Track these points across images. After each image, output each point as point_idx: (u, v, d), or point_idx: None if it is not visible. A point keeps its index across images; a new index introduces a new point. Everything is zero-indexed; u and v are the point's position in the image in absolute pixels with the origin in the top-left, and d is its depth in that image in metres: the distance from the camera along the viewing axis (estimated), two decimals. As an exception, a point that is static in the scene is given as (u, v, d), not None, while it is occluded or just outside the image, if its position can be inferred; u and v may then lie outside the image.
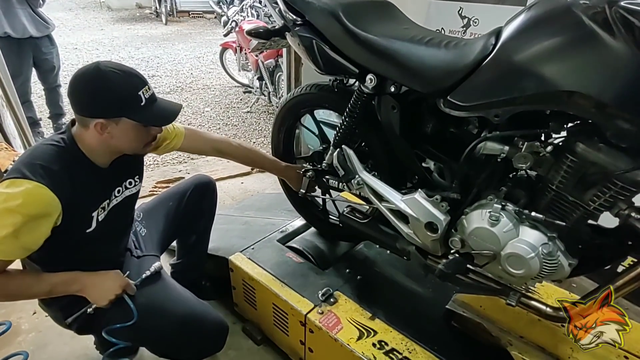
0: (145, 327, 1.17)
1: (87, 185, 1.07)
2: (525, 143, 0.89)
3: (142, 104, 1.01)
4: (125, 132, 1.03)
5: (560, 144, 0.88)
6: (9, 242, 0.96)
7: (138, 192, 1.30)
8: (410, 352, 1.17)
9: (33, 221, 0.97)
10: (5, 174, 1.03)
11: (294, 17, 1.19)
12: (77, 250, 1.12)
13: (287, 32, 1.26)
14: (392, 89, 1.09)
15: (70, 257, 1.12)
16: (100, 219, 1.13)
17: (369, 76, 1.10)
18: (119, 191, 1.20)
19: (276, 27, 1.28)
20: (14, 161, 1.66)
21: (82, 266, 1.14)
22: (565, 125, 0.85)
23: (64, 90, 3.41)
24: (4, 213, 0.94)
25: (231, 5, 5.12)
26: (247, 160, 1.57)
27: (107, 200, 1.16)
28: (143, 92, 1.01)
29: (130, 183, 1.24)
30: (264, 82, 4.08)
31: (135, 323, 1.12)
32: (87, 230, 1.10)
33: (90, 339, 1.48)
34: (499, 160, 0.95)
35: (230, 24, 4.30)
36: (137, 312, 1.13)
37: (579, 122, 0.84)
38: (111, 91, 0.98)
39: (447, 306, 1.29)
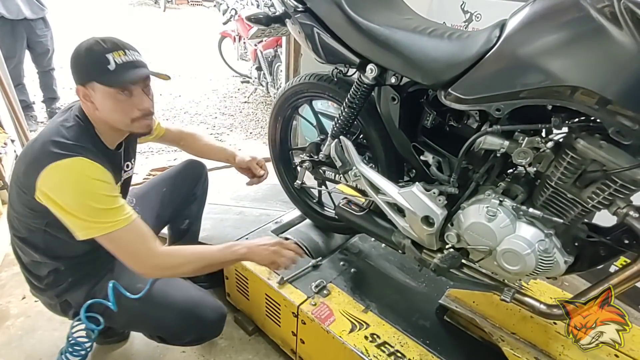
0: (147, 314, 1.18)
1: (106, 167, 1.07)
2: (526, 138, 0.88)
3: (111, 67, 0.97)
4: (103, 100, 1.00)
5: (561, 140, 0.87)
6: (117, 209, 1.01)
7: (132, 176, 1.31)
8: (402, 346, 1.17)
9: (104, 184, 1.00)
10: (39, 159, 0.98)
11: (295, 3, 1.17)
12: None
13: (287, 19, 1.23)
14: (393, 80, 1.08)
15: (70, 242, 1.09)
16: None
17: (370, 66, 1.08)
18: (124, 172, 1.22)
19: (276, 14, 1.25)
20: (5, 144, 1.62)
21: (79, 253, 1.14)
22: (567, 121, 0.84)
23: (57, 74, 3.35)
24: (86, 188, 0.97)
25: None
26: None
27: (118, 182, 1.16)
28: (114, 56, 0.97)
29: (127, 166, 1.25)
30: (262, 72, 4.05)
31: (139, 300, 1.14)
32: None
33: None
34: (498, 155, 0.94)
35: (230, 12, 4.25)
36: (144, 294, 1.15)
37: (580, 118, 0.83)
38: (81, 56, 0.98)
39: (440, 301, 1.30)
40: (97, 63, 0.97)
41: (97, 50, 0.97)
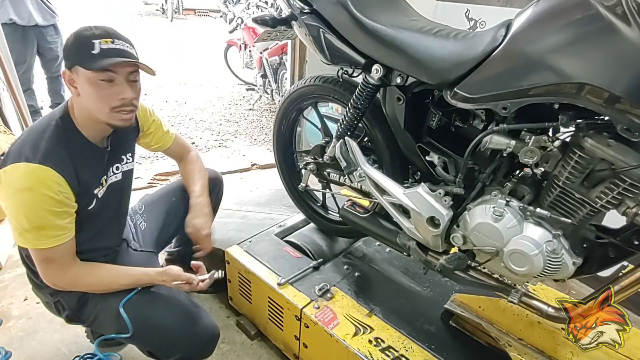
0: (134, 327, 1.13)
1: (86, 163, 1.07)
2: (533, 137, 0.87)
3: (95, 51, 0.97)
4: (84, 85, 0.99)
5: (568, 139, 0.86)
6: (47, 228, 0.99)
7: (132, 170, 1.29)
8: (407, 350, 1.15)
9: (52, 200, 0.98)
10: (5, 158, 1.01)
11: (302, 5, 1.18)
12: (79, 232, 1.09)
13: (293, 21, 1.24)
14: (398, 80, 1.08)
15: None
16: (99, 196, 1.13)
17: (375, 66, 1.09)
18: (117, 168, 1.20)
19: (283, 16, 1.26)
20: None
21: (80, 255, 1.12)
22: (574, 120, 0.83)
23: (66, 80, 3.39)
24: (26, 199, 0.96)
25: (238, 3, 5.12)
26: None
27: (105, 177, 1.15)
28: (100, 42, 0.98)
29: (122, 160, 1.23)
30: (267, 79, 4.08)
31: (130, 337, 1.10)
32: (89, 208, 1.10)
33: (80, 327, 1.45)
34: (504, 155, 0.93)
35: (236, 21, 4.31)
36: (132, 328, 1.10)
37: (588, 116, 0.82)
38: (70, 40, 1.00)
39: (445, 306, 1.28)
40: (83, 47, 0.98)
41: (85, 35, 0.98)
